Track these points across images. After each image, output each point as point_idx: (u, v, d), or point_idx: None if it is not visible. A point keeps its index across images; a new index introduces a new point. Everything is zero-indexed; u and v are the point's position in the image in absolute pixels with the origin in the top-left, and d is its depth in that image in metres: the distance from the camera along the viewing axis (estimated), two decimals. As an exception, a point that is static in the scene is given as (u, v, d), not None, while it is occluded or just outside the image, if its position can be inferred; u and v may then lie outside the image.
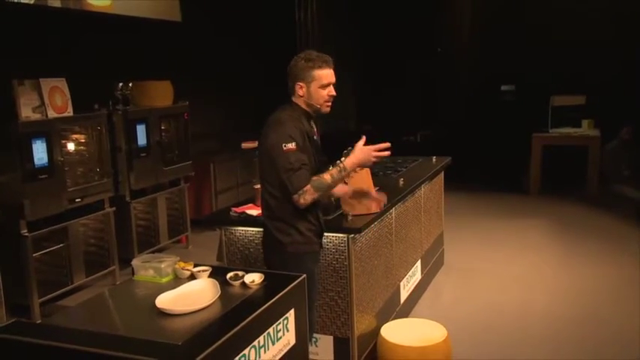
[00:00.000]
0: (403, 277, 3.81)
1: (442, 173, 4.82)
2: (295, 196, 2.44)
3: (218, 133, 6.73)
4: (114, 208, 4.66)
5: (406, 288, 3.88)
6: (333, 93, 2.55)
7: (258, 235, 3.12)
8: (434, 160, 4.68)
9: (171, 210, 5.44)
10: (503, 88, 8.28)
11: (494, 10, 8.00)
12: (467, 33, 8.35)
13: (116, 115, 4.73)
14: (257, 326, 2.07)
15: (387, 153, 2.55)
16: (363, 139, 2.56)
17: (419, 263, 4.18)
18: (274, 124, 2.50)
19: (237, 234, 3.18)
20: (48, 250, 4.15)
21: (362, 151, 2.53)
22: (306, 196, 2.44)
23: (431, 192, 4.49)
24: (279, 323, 2.21)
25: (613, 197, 7.03)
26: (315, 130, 2.64)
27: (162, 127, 5.22)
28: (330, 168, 2.54)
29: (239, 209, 3.20)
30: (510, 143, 7.60)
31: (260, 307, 2.10)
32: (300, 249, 2.55)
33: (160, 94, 5.23)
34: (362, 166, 2.59)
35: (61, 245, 4.25)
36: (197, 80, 6.17)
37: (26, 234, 3.95)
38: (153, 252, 5.20)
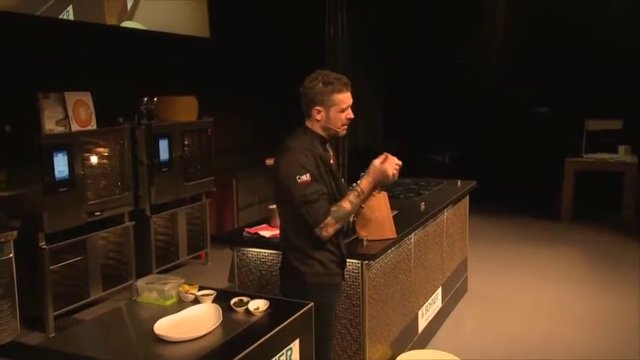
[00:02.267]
0: (422, 305, 3.66)
1: (467, 197, 4.66)
2: (317, 230, 2.34)
3: (242, 149, 6.72)
4: (133, 222, 4.65)
5: (425, 316, 3.72)
6: (351, 116, 2.44)
7: (271, 257, 3.04)
8: (459, 184, 4.53)
9: (191, 225, 5.41)
10: (538, 109, 8.05)
11: (530, 26, 7.79)
12: (498, 50, 8.18)
13: (139, 129, 4.75)
14: (259, 356, 1.97)
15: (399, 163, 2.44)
16: (381, 157, 2.44)
17: (439, 290, 4.01)
18: (285, 153, 2.38)
19: (250, 255, 3.10)
20: (65, 262, 4.15)
21: (376, 170, 2.40)
22: (329, 228, 2.34)
23: (454, 216, 4.33)
24: (283, 354, 2.11)
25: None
26: (331, 153, 2.53)
27: (186, 142, 5.22)
28: (348, 193, 2.43)
29: (252, 230, 3.12)
30: (542, 167, 7.35)
31: (263, 337, 2.01)
32: (321, 280, 2.43)
33: (185, 109, 5.24)
34: (380, 185, 2.46)
35: (79, 258, 4.24)
36: (223, 95, 6.17)
37: (44, 246, 3.96)
38: (171, 268, 5.17)
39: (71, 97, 4.12)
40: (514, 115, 8.04)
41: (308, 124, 2.44)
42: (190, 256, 5.44)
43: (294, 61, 7.37)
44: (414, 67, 8.21)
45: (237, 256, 3.12)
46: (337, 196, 2.44)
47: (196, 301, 2.30)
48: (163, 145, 4.89)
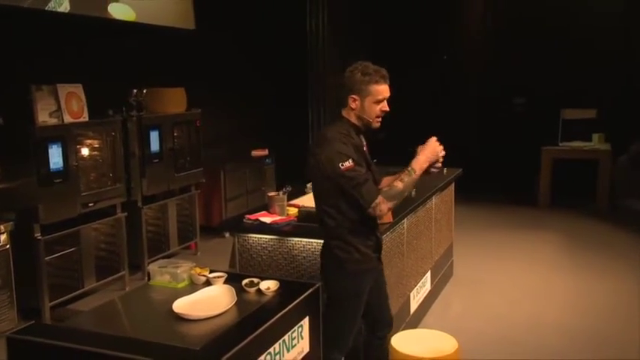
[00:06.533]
0: (413, 288, 3.83)
1: (453, 185, 4.84)
2: (370, 210, 2.41)
3: (229, 141, 6.79)
4: (125, 214, 4.71)
5: (416, 299, 3.89)
6: (387, 109, 2.51)
7: (272, 243, 3.16)
8: (445, 171, 4.70)
9: (181, 216, 5.48)
10: (515, 100, 8.29)
11: (508, 20, 8.01)
12: (478, 42, 8.39)
13: (130, 121, 4.79)
14: (273, 333, 2.10)
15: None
16: (434, 138, 2.52)
17: (429, 274, 4.19)
18: (323, 144, 2.46)
19: (251, 241, 3.21)
20: (60, 253, 4.19)
21: (431, 149, 2.48)
22: (382, 206, 2.41)
23: (442, 203, 4.51)
24: (294, 331, 2.24)
25: (623, 212, 7.02)
26: (365, 143, 2.60)
27: (175, 134, 5.27)
28: (400, 174, 2.49)
29: (253, 216, 3.23)
30: (521, 156, 7.60)
31: (276, 315, 2.13)
32: (359, 267, 2.53)
33: (174, 101, 5.29)
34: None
35: (73, 249, 4.29)
36: (209, 88, 6.24)
37: (39, 237, 4.00)
38: (162, 258, 5.24)
39: (63, 90, 4.15)
40: (494, 106, 8.27)
41: (344, 113, 2.52)
42: (181, 247, 5.51)
43: (278, 55, 7.47)
44: (398, 61, 8.36)
45: (239, 242, 3.22)
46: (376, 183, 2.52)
47: (208, 283, 2.41)
48: (154, 137, 4.94)
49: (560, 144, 7.36)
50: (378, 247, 2.65)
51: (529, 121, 7.92)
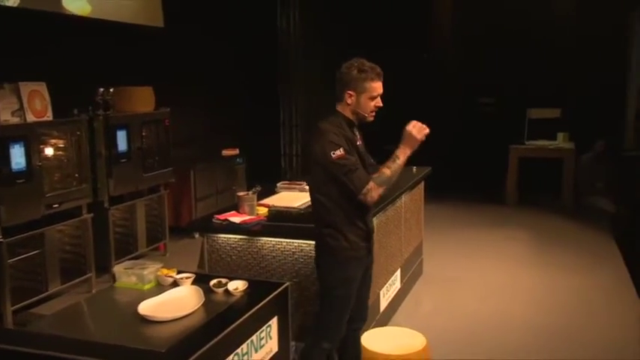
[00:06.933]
0: (383, 286, 3.85)
1: (422, 183, 4.90)
2: (361, 197, 2.52)
3: (199, 140, 6.73)
4: (92, 215, 4.62)
5: (386, 296, 3.92)
6: (380, 104, 2.64)
7: (241, 243, 3.14)
8: (414, 169, 4.76)
9: (150, 217, 5.40)
10: (483, 100, 8.43)
11: (474, 21, 8.15)
12: (447, 41, 8.50)
13: (97, 120, 4.70)
14: (241, 333, 2.09)
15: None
16: (412, 123, 2.61)
17: (398, 272, 4.23)
18: (317, 136, 2.58)
19: (220, 241, 3.18)
20: (23, 256, 4.08)
21: (409, 136, 2.57)
22: (372, 193, 2.52)
23: (411, 201, 4.56)
24: (263, 331, 2.23)
25: (587, 209, 7.20)
26: (359, 136, 2.72)
27: (143, 134, 5.19)
28: (387, 162, 2.60)
29: (222, 216, 3.21)
30: (490, 155, 7.74)
31: (244, 315, 2.13)
32: (347, 254, 2.62)
33: (142, 99, 5.21)
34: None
35: (37, 252, 4.18)
36: (178, 86, 6.16)
37: (1, 240, 3.88)
38: (130, 259, 5.15)
39: (26, 88, 4.04)
40: (463, 106, 8.40)
41: (339, 107, 2.64)
42: (149, 248, 5.43)
43: (249, 53, 7.43)
44: (372, 58, 8.41)
45: (208, 242, 3.20)
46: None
47: (175, 284, 2.38)
48: (121, 136, 4.86)
49: (527, 143, 7.51)
50: (367, 237, 2.72)
51: (497, 121, 8.08)
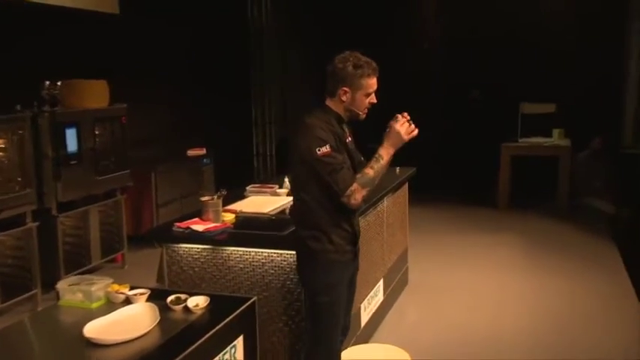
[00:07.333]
0: (364, 299, 3.81)
1: (406, 185, 4.87)
2: (344, 199, 2.52)
3: (161, 139, 6.61)
4: (37, 223, 4.50)
5: (367, 310, 3.88)
6: (374, 101, 2.65)
7: (204, 253, 3.07)
8: (397, 170, 4.73)
9: (105, 225, 5.29)
10: (471, 93, 8.44)
11: (460, 13, 8.19)
12: (432, 35, 8.53)
13: (42, 117, 4.59)
14: (201, 356, 2.03)
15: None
16: (398, 118, 2.61)
17: (381, 283, 4.19)
18: (302, 130, 2.58)
19: (181, 252, 3.11)
20: (-42, 271, 3.96)
21: (395, 134, 2.59)
22: (356, 195, 2.54)
23: (394, 205, 4.53)
24: (226, 352, 2.17)
25: (584, 210, 7.28)
26: (348, 133, 2.72)
27: (97, 132, 5.09)
28: (369, 161, 2.62)
29: (183, 224, 3.13)
30: (480, 153, 7.75)
31: (204, 334, 2.07)
32: (330, 258, 2.62)
33: (94, 94, 5.11)
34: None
35: (-25, 266, 4.06)
36: (137, 80, 6.05)
37: None
38: (83, 273, 5.03)
39: (-40, 81, 3.91)
40: (451, 101, 8.42)
41: (329, 102, 2.64)
42: (104, 260, 5.33)
43: (217, 45, 7.33)
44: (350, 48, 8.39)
45: (167, 253, 3.12)
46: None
47: (128, 301, 2.31)
48: (71, 135, 4.76)
49: (520, 140, 7.54)
50: (353, 240, 2.72)
51: (488, 117, 8.10)
